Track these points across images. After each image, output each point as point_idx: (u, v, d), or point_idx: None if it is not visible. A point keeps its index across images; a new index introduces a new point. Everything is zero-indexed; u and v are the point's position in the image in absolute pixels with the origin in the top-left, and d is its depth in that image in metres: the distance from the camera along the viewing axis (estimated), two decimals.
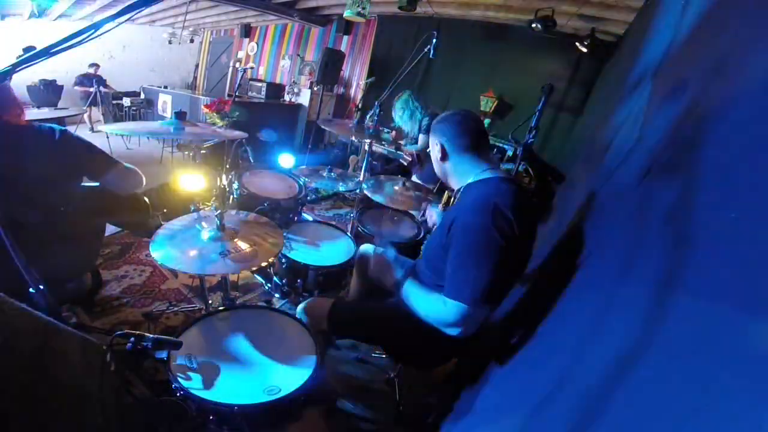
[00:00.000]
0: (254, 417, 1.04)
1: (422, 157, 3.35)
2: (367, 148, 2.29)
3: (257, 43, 7.05)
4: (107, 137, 4.71)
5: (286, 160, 2.79)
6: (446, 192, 2.83)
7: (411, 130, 3.27)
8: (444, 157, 1.24)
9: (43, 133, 1.34)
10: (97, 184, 1.51)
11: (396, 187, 2.27)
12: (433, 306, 1.12)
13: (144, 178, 1.57)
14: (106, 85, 6.17)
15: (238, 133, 1.77)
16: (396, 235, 2.08)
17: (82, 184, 1.52)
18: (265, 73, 6.99)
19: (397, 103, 3.21)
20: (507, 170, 3.37)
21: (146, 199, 1.74)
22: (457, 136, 1.21)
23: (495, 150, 4.00)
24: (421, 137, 3.19)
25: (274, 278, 1.86)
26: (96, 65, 6.15)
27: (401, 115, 3.22)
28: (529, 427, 0.69)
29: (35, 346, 0.77)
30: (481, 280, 1.02)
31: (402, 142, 3.40)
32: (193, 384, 1.02)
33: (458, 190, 1.27)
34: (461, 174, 1.24)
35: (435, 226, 1.69)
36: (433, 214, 1.76)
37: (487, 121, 4.45)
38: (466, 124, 1.22)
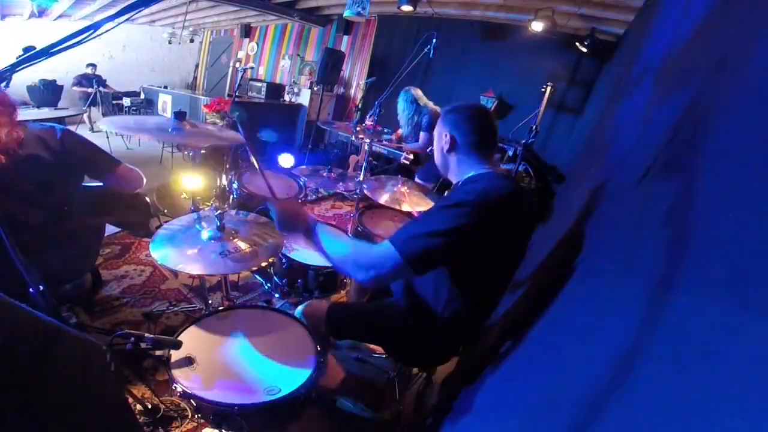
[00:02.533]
0: (254, 417, 1.04)
1: (422, 157, 3.36)
2: (367, 148, 2.28)
3: (257, 43, 7.05)
4: (107, 137, 4.72)
5: (286, 160, 2.79)
6: (446, 192, 2.84)
7: (405, 127, 3.30)
8: (451, 149, 1.19)
9: (45, 133, 1.34)
10: (97, 183, 1.52)
11: (396, 187, 2.27)
12: (358, 246, 1.09)
13: (144, 178, 1.57)
14: (105, 85, 6.18)
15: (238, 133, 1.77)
16: None
17: (84, 184, 1.52)
18: (265, 73, 6.99)
19: (400, 100, 3.24)
20: (507, 170, 3.39)
21: (146, 199, 1.74)
22: (469, 132, 1.17)
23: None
24: (422, 135, 3.19)
25: (274, 278, 1.86)
26: (93, 65, 6.16)
27: (402, 110, 3.26)
28: (529, 427, 0.69)
29: (35, 347, 0.77)
30: (423, 241, 0.96)
31: (403, 144, 3.41)
32: (193, 384, 1.02)
33: (454, 185, 1.26)
34: (463, 169, 1.21)
35: None
36: None
37: None
38: (482, 122, 1.18)
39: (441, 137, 1.22)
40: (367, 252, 1.02)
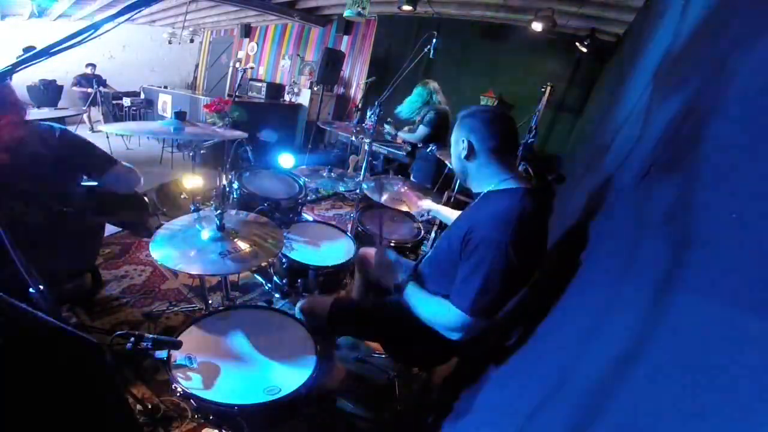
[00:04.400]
0: (254, 417, 1.05)
1: (416, 152, 3.34)
2: (367, 148, 2.28)
3: (257, 43, 7.05)
4: (107, 137, 4.71)
5: (286, 160, 2.79)
6: (446, 192, 2.84)
7: (404, 113, 3.26)
8: (470, 155, 1.14)
9: (43, 132, 1.34)
10: (96, 183, 1.52)
11: (396, 187, 2.27)
12: (436, 309, 1.11)
13: (142, 177, 1.57)
14: (106, 85, 6.18)
15: (238, 133, 1.77)
16: (396, 235, 2.08)
17: (83, 183, 1.52)
18: (265, 73, 6.99)
19: (415, 91, 3.17)
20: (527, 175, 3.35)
21: (146, 198, 1.74)
22: (487, 137, 1.12)
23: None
24: (421, 128, 3.14)
25: (274, 278, 1.87)
26: (93, 65, 6.15)
27: (409, 102, 3.19)
28: (529, 426, 0.69)
29: (35, 347, 0.77)
30: (488, 295, 1.01)
31: (400, 134, 3.34)
32: (193, 384, 1.02)
33: (474, 195, 1.24)
34: (483, 177, 1.16)
35: (429, 215, 1.67)
36: (425, 204, 1.74)
37: None
38: (501, 125, 1.14)
39: (458, 143, 1.16)
40: (446, 318, 1.07)
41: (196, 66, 8.78)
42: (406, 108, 3.25)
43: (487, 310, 1.04)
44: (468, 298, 1.03)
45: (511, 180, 1.13)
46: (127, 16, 0.70)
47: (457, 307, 1.04)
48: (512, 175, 1.14)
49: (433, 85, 3.20)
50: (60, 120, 3.76)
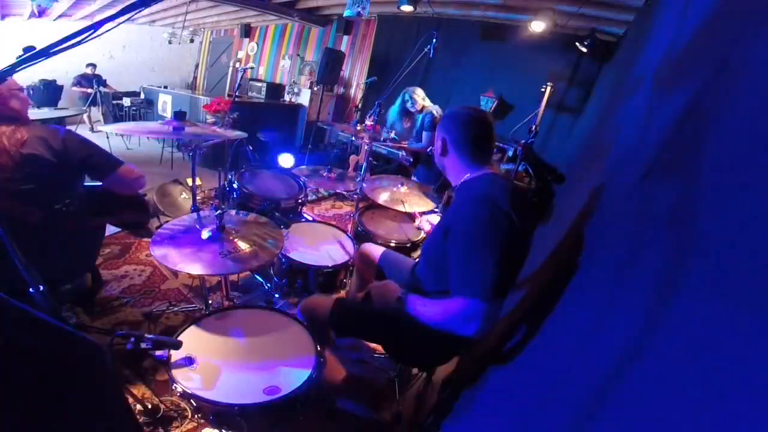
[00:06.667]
0: (254, 417, 1.05)
1: (421, 158, 3.36)
2: (367, 148, 2.29)
3: (257, 43, 7.05)
4: (107, 137, 4.71)
5: (286, 160, 2.80)
6: (446, 192, 2.84)
7: (392, 124, 3.34)
8: (444, 152, 1.26)
9: (48, 133, 1.35)
10: (98, 183, 1.52)
11: (396, 187, 2.27)
12: (444, 308, 1.09)
13: (146, 178, 1.57)
14: (106, 85, 6.17)
15: (238, 133, 1.77)
16: (396, 235, 2.08)
17: (85, 184, 1.52)
18: (265, 73, 6.99)
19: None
20: (507, 171, 3.39)
21: (146, 198, 1.74)
22: (460, 135, 1.22)
23: (495, 150, 4.00)
24: (425, 135, 3.20)
25: (274, 278, 1.87)
26: (93, 65, 6.16)
27: (393, 108, 3.30)
28: (529, 426, 0.69)
29: (35, 347, 0.77)
30: (489, 273, 1.01)
31: (407, 143, 3.41)
32: (193, 384, 1.02)
33: (454, 188, 1.28)
34: (458, 171, 1.26)
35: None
36: (427, 221, 1.79)
37: None
38: (473, 127, 1.21)
39: (436, 141, 1.29)
40: (457, 312, 1.03)
41: (196, 66, 8.77)
42: (392, 118, 3.36)
43: (495, 289, 1.01)
44: (473, 282, 1.02)
45: (481, 168, 1.22)
46: (127, 16, 0.70)
47: (464, 296, 1.02)
48: (485, 167, 1.23)
49: (411, 91, 3.26)
50: (60, 120, 3.77)
